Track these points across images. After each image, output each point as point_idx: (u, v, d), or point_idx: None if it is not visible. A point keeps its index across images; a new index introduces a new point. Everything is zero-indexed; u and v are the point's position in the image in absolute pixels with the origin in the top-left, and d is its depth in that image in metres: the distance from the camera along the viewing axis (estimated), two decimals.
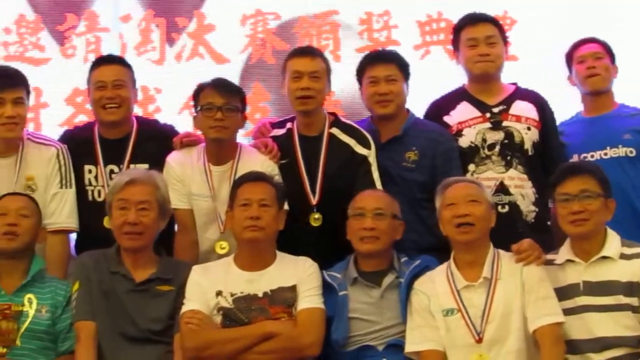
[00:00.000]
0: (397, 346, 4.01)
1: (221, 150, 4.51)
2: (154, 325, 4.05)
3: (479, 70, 4.77)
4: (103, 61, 4.80)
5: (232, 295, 4.01)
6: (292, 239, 4.28)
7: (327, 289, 4.09)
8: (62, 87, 5.89)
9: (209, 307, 4.01)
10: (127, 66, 4.77)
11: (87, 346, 4.01)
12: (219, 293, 4.02)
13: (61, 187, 4.54)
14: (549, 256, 4.11)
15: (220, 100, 4.44)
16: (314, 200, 4.54)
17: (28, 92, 4.59)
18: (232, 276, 4.07)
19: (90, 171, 4.65)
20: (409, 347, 3.98)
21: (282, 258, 4.14)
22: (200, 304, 4.01)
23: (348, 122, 4.75)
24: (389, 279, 4.12)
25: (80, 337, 4.03)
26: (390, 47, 5.64)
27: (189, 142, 4.63)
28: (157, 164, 4.52)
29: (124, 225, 4.11)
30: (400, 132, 4.68)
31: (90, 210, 4.59)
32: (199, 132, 4.63)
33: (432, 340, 3.94)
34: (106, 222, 4.41)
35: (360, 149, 4.58)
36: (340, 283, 4.11)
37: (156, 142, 4.68)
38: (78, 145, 4.67)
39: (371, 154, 4.57)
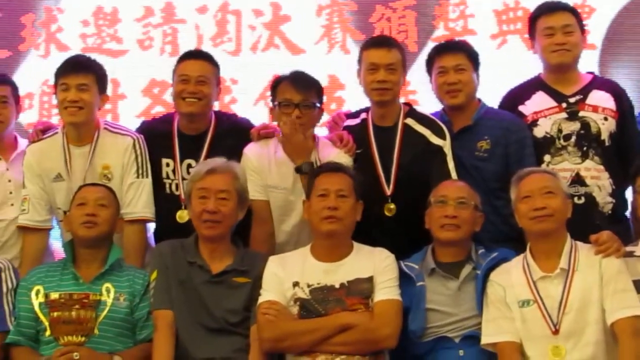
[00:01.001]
0: (473, 338, 3.98)
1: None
2: (230, 316, 4.07)
3: (555, 59, 4.70)
4: (190, 55, 4.82)
5: (309, 286, 4.01)
6: (366, 229, 4.26)
7: (404, 280, 4.07)
8: (139, 78, 5.94)
9: (285, 297, 4.01)
10: (214, 64, 4.77)
11: (166, 335, 4.04)
12: (295, 284, 4.02)
13: (137, 177, 4.58)
14: (628, 248, 4.05)
15: (297, 97, 4.43)
16: (388, 191, 4.52)
17: (99, 80, 4.62)
18: (308, 267, 4.06)
19: (167, 164, 4.69)
20: (485, 339, 3.94)
21: (359, 249, 4.13)
22: (277, 294, 4.01)
23: (423, 112, 4.73)
24: (466, 270, 4.09)
25: (158, 326, 4.06)
26: (466, 37, 5.61)
27: (266, 134, 4.64)
28: (234, 158, 4.51)
29: (203, 213, 4.14)
30: (471, 122, 4.66)
31: (167, 203, 4.64)
32: (275, 123, 4.63)
33: (508, 332, 3.90)
34: (179, 217, 4.46)
35: (435, 140, 4.55)
36: (417, 274, 4.08)
37: (234, 137, 4.69)
38: (156, 138, 4.71)
39: (446, 145, 4.54)
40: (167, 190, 4.69)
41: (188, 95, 4.62)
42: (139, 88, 5.94)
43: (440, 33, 5.94)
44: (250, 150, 4.59)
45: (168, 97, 5.37)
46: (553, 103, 4.70)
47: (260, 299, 4.02)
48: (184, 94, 4.62)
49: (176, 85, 4.67)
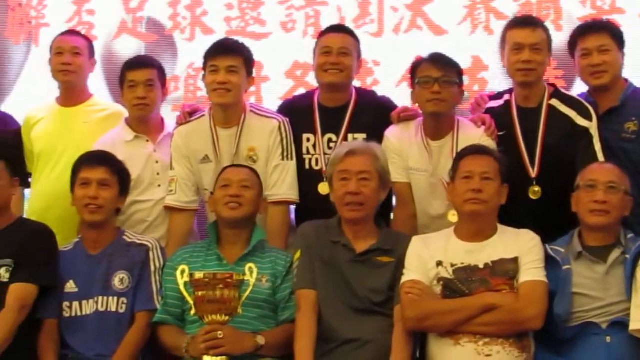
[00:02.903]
0: (621, 324, 3.88)
1: (439, 124, 4.50)
2: (374, 296, 4.07)
3: None
4: (333, 29, 4.88)
5: (452, 265, 3.99)
6: (510, 212, 4.20)
7: (550, 263, 4.00)
8: (282, 61, 5.98)
9: (429, 277, 4.00)
10: (355, 38, 4.82)
11: (308, 315, 4.06)
12: (439, 263, 4.00)
13: (282, 159, 4.62)
14: None
15: (437, 73, 4.43)
16: (533, 173, 4.47)
17: (247, 63, 4.68)
18: (452, 247, 4.04)
19: (308, 140, 4.73)
20: (634, 325, 3.84)
21: (504, 231, 4.09)
22: (420, 274, 4.00)
23: (568, 93, 4.65)
24: (615, 254, 4.00)
25: (301, 306, 4.09)
26: (614, 16, 5.47)
27: (406, 116, 4.64)
28: (374, 134, 4.56)
29: (345, 195, 4.14)
30: (618, 103, 4.57)
31: (307, 179, 4.68)
32: (416, 106, 4.62)
33: None
34: (321, 189, 4.48)
35: (581, 121, 4.48)
36: (563, 257, 4.01)
37: (373, 113, 4.71)
38: (297, 114, 4.76)
39: (593, 126, 4.46)
40: (307, 166, 4.73)
41: (330, 67, 4.66)
42: (282, 70, 5.97)
43: (587, 12, 5.79)
44: (392, 133, 4.60)
45: (311, 79, 5.39)
46: None
47: (404, 279, 4.02)
48: (327, 66, 4.67)
49: (318, 57, 4.72)
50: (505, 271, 3.95)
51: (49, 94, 5.30)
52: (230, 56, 4.62)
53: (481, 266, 3.97)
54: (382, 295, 4.08)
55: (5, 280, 4.18)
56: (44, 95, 5.42)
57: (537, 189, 4.44)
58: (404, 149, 4.54)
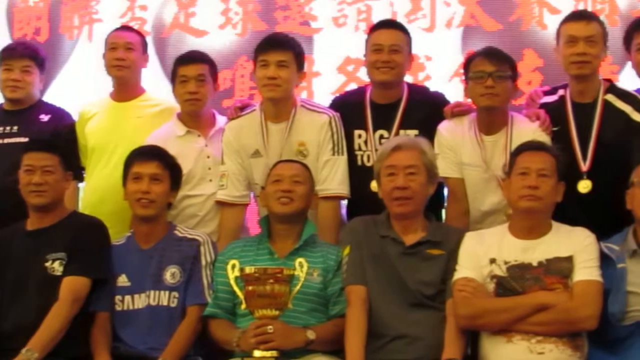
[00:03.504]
0: None
1: (492, 119, 4.47)
2: (425, 289, 4.05)
3: None
4: (383, 25, 4.85)
5: (506, 263, 3.96)
6: (562, 208, 4.14)
7: (604, 261, 3.95)
8: (334, 56, 5.97)
9: (482, 274, 3.97)
10: (406, 33, 4.78)
11: (358, 310, 4.04)
12: (492, 261, 3.97)
13: (333, 154, 4.61)
14: None
15: (490, 67, 4.41)
16: (584, 167, 4.44)
17: (297, 57, 4.67)
18: (506, 244, 4.01)
19: (360, 136, 4.71)
20: None
21: (558, 228, 4.04)
22: (473, 271, 3.97)
23: (625, 88, 4.60)
24: None
25: (352, 301, 4.07)
26: None
27: (459, 111, 4.61)
28: (426, 130, 4.53)
29: (393, 190, 4.13)
30: None
31: (359, 175, 4.65)
32: (469, 101, 4.60)
33: None
34: (373, 187, 4.46)
35: (637, 116, 4.44)
36: (618, 255, 3.95)
37: (426, 109, 4.69)
38: (349, 110, 4.74)
39: None
40: (359, 162, 4.71)
41: (381, 65, 4.64)
42: (333, 65, 5.97)
43: None
44: (445, 128, 4.58)
45: (362, 74, 5.39)
46: None
47: (456, 275, 4.00)
48: (378, 64, 4.65)
49: (369, 55, 4.70)
50: (559, 270, 3.91)
51: (97, 88, 5.37)
52: (280, 51, 4.61)
53: (535, 264, 3.93)
54: (433, 288, 4.06)
55: (59, 273, 4.22)
56: (91, 88, 5.51)
57: (587, 183, 4.41)
58: (457, 144, 4.52)
